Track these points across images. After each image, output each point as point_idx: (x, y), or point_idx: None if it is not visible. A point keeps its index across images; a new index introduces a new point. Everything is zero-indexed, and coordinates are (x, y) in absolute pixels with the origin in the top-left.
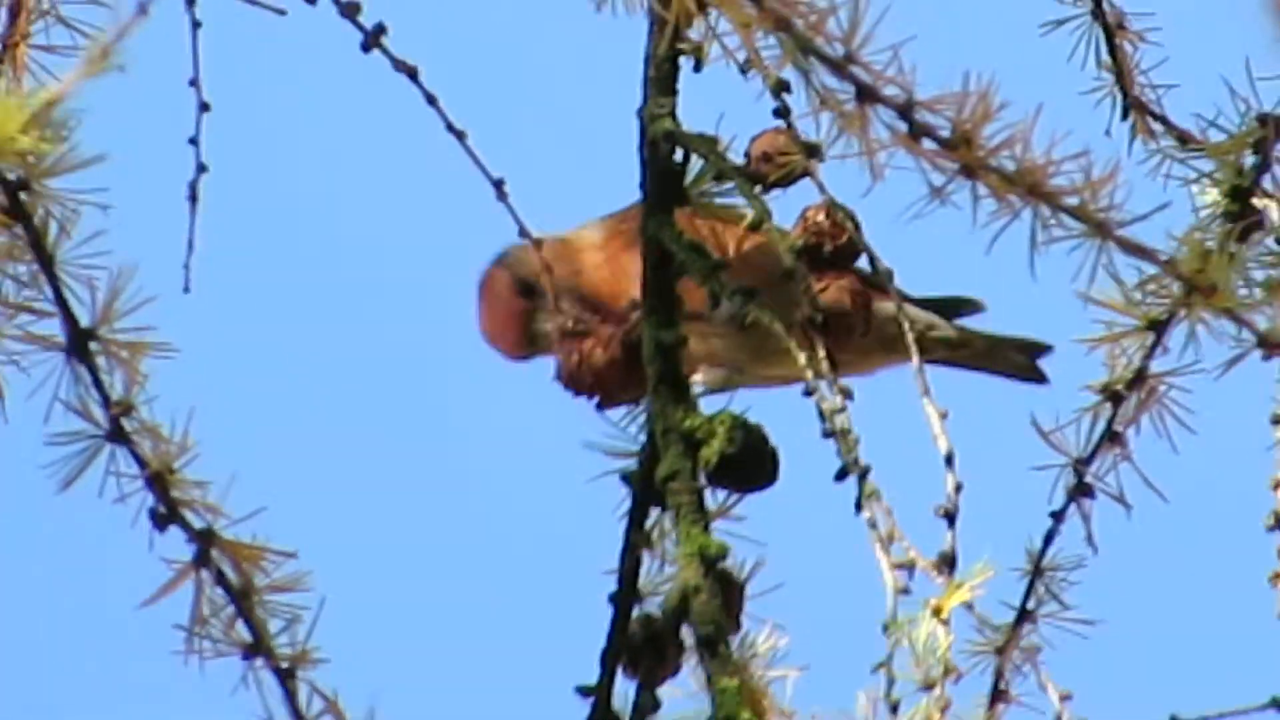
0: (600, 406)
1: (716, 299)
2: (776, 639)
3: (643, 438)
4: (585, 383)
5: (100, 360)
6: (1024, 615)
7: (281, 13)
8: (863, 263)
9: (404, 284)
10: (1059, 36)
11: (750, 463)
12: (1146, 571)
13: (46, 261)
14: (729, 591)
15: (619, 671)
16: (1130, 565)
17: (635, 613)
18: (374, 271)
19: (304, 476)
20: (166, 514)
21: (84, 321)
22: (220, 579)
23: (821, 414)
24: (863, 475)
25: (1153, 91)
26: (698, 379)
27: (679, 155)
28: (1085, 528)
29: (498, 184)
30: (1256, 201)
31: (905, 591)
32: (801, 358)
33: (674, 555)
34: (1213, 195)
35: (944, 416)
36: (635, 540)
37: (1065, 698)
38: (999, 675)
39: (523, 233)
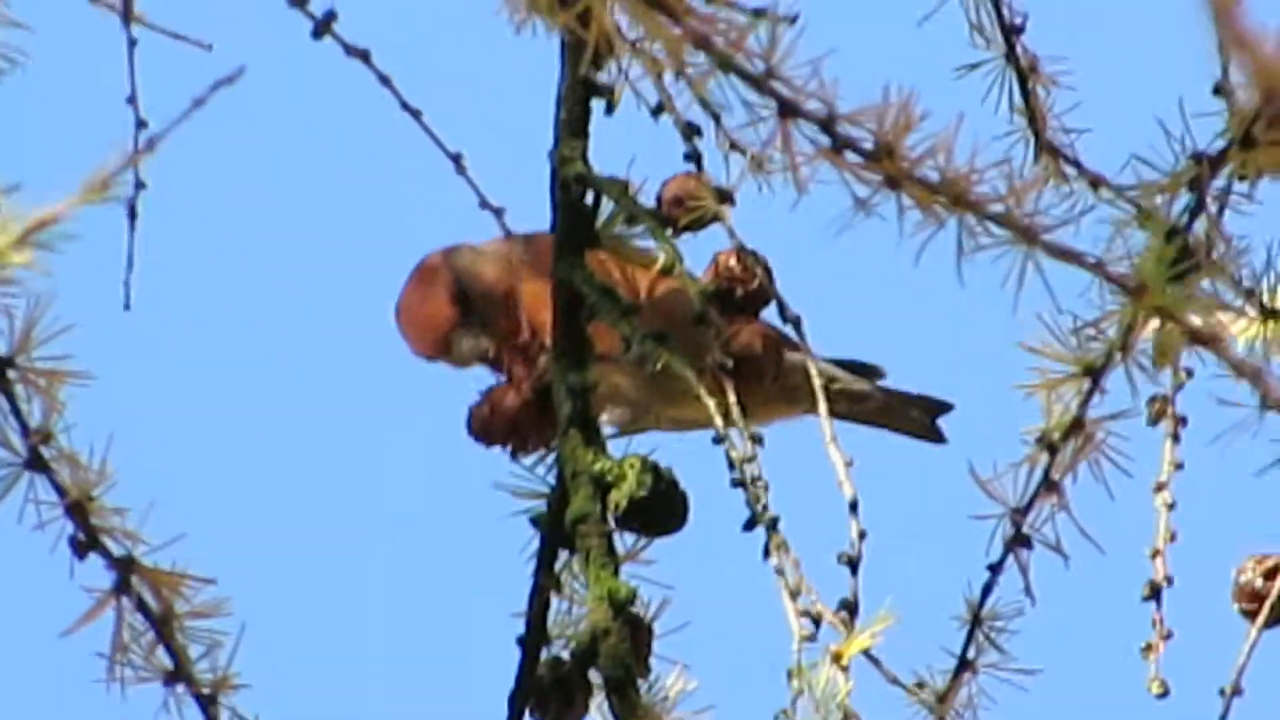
0: (514, 455)
1: (628, 343)
2: (685, 681)
3: (552, 479)
4: (498, 430)
5: (18, 388)
6: (964, 665)
7: (208, 47)
8: (771, 309)
9: (325, 316)
10: (972, 80)
11: (660, 506)
12: (1084, 620)
13: None
14: (638, 635)
15: (527, 714)
16: (1070, 614)
17: (544, 655)
18: (304, 299)
19: (223, 502)
20: (86, 541)
21: (1, 350)
22: (140, 606)
23: (731, 462)
24: (771, 525)
25: (1065, 135)
26: (605, 419)
27: (590, 198)
28: (1023, 579)
29: (456, 158)
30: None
31: (810, 639)
32: (712, 404)
33: (583, 598)
34: (1141, 237)
35: (849, 464)
36: (544, 582)
37: None
38: None
39: (483, 204)
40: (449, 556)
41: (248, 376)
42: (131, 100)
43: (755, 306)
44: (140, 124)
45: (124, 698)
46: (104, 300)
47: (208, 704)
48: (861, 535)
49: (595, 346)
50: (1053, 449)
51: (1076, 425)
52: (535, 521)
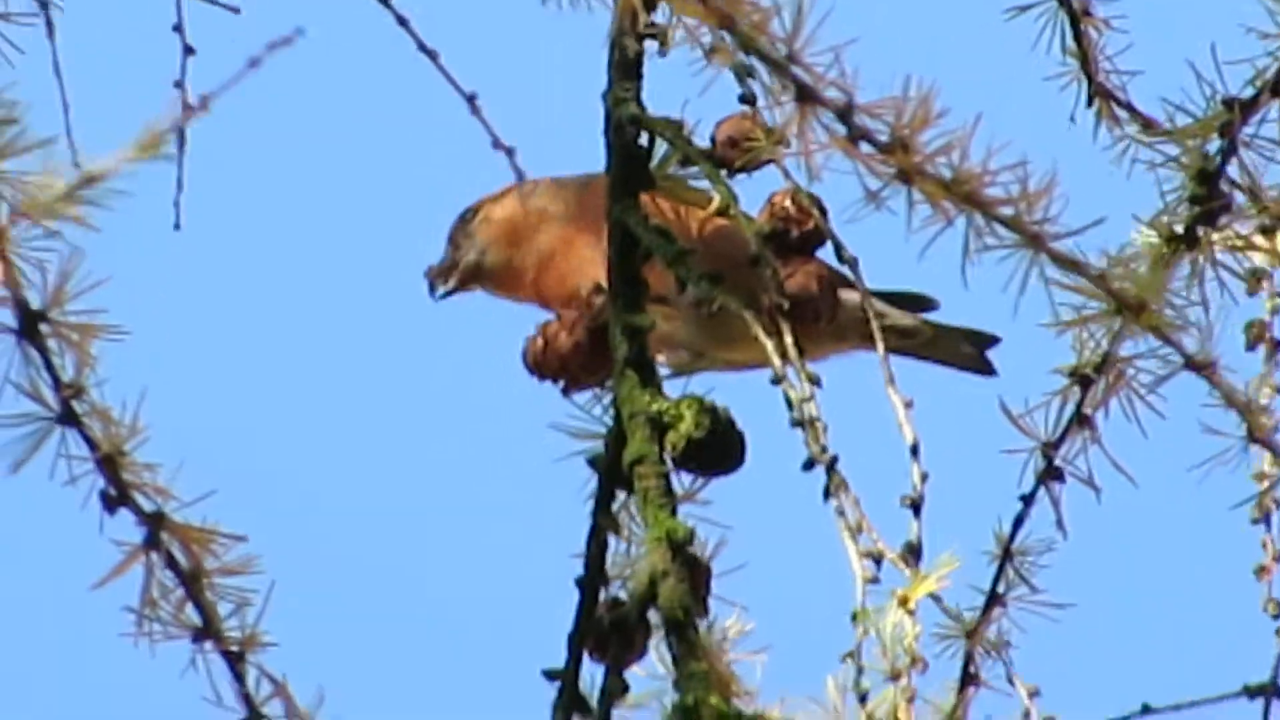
0: (565, 390)
1: (683, 284)
2: (743, 623)
3: (609, 420)
4: (550, 367)
5: (51, 343)
6: (994, 599)
7: (236, 10)
8: (827, 249)
9: (365, 266)
10: (1023, 23)
11: (717, 446)
12: (1117, 556)
13: None
14: (696, 576)
15: (586, 655)
16: (1100, 549)
17: (602, 596)
18: (335, 250)
19: (254, 460)
20: (117, 496)
21: (35, 304)
22: (170, 562)
23: (789, 402)
24: (830, 465)
25: (1118, 78)
26: (661, 360)
27: (644, 139)
28: (1055, 512)
29: (470, 99)
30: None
31: (873, 581)
32: (769, 345)
33: (641, 539)
34: (1179, 179)
35: (909, 405)
36: (601, 524)
37: (1033, 694)
38: (969, 660)
39: (496, 144)
40: (506, 499)
41: (283, 328)
42: (178, 29)
43: (810, 247)
44: (187, 50)
45: (152, 653)
46: (137, 254)
47: (235, 661)
48: (924, 478)
49: (650, 288)
50: (1085, 383)
51: (1108, 361)
52: (593, 462)
